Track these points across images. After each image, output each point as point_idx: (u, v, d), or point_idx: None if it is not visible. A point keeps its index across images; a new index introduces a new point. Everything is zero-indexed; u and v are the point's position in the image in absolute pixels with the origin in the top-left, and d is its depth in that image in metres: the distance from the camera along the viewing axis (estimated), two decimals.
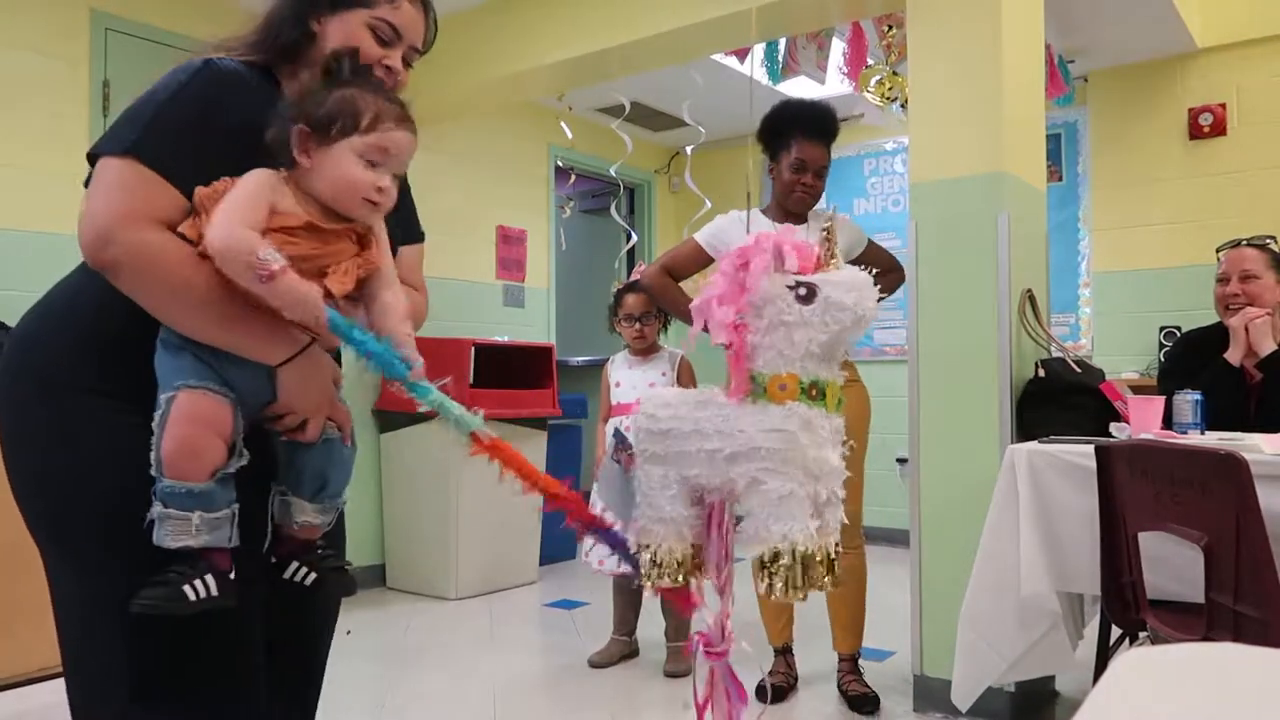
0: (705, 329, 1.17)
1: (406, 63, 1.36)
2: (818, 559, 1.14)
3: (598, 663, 3.22)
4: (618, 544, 1.30)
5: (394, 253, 1.42)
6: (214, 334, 1.16)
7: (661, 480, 1.23)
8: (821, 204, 2.93)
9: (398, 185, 1.24)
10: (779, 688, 2.85)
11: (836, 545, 1.16)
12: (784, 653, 2.94)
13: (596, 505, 1.45)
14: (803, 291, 1.15)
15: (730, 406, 1.19)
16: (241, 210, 1.13)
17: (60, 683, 1.26)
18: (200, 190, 1.16)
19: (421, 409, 1.20)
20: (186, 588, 1.11)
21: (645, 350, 3.26)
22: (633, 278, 3.37)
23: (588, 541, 3.18)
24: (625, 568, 2.99)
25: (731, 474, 1.18)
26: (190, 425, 1.13)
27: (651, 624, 3.28)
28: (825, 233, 1.21)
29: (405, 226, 1.45)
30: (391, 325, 1.22)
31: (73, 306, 1.24)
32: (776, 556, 1.14)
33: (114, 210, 1.14)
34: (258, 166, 1.19)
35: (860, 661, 2.91)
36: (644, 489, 1.26)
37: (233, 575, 1.16)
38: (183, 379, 1.14)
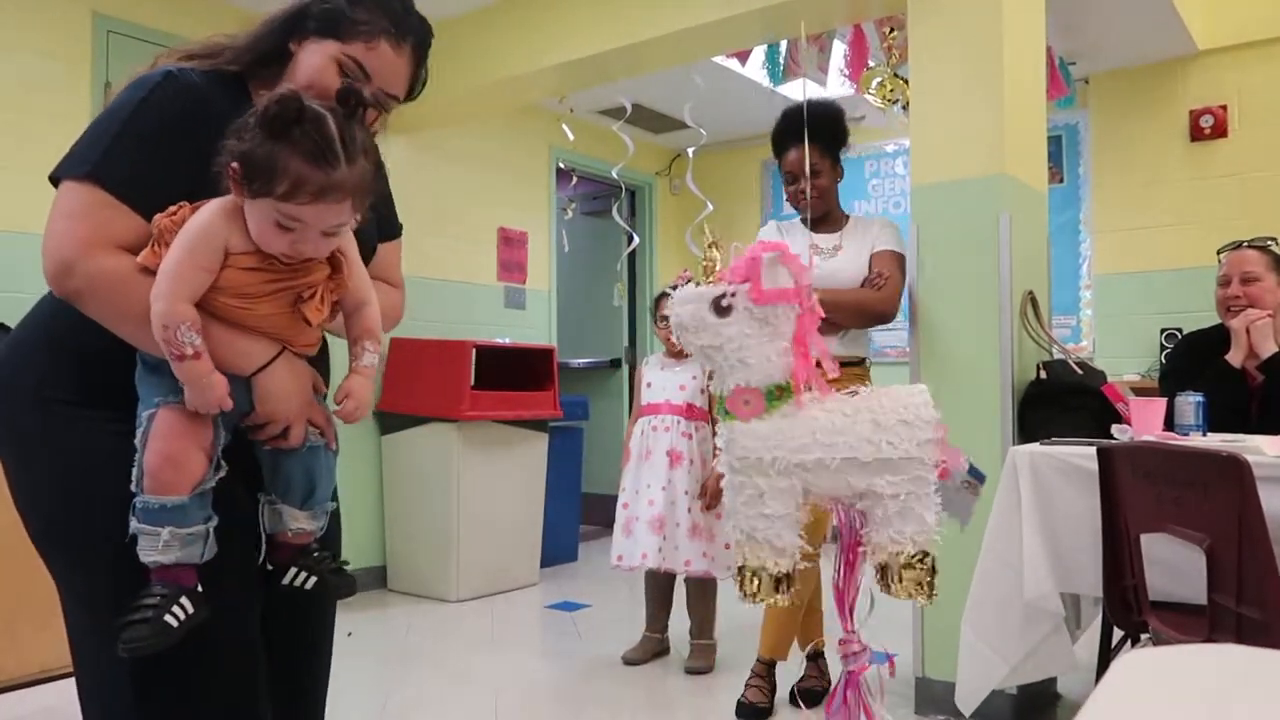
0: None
1: (381, 105, 1.31)
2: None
3: (632, 659, 3.24)
4: None
5: (373, 250, 1.41)
6: None
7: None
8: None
9: (346, 232, 1.18)
10: (815, 692, 2.82)
11: None
12: (816, 658, 2.92)
13: None
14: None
15: (846, 404, 1.15)
16: (188, 270, 1.10)
17: (62, 684, 1.26)
18: (159, 219, 1.14)
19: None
20: (168, 618, 1.09)
21: (679, 353, 3.27)
22: (675, 282, 3.39)
23: (617, 544, 3.21)
24: (664, 564, 3.02)
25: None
26: (172, 439, 1.13)
27: (675, 621, 3.31)
28: (710, 248, 1.25)
29: (384, 223, 1.44)
30: (356, 353, 1.25)
31: (55, 319, 1.24)
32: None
33: (72, 240, 1.14)
34: (220, 180, 1.15)
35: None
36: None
37: (199, 589, 1.14)
38: (162, 395, 1.14)
